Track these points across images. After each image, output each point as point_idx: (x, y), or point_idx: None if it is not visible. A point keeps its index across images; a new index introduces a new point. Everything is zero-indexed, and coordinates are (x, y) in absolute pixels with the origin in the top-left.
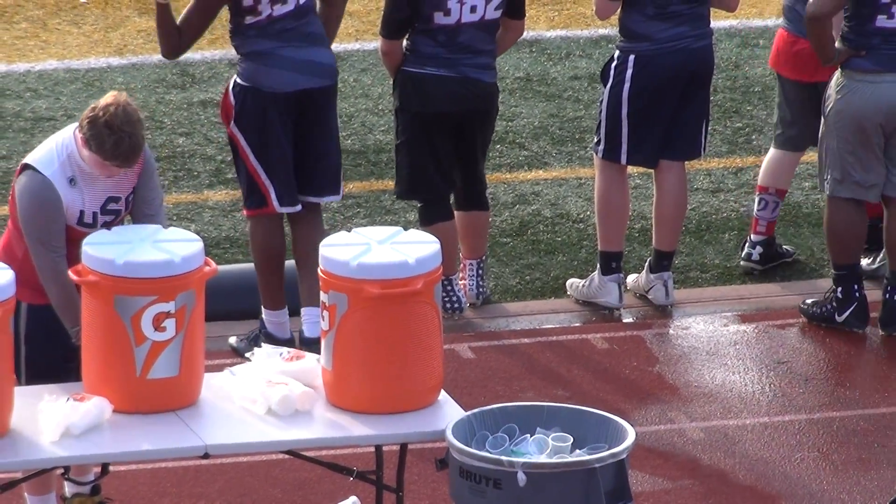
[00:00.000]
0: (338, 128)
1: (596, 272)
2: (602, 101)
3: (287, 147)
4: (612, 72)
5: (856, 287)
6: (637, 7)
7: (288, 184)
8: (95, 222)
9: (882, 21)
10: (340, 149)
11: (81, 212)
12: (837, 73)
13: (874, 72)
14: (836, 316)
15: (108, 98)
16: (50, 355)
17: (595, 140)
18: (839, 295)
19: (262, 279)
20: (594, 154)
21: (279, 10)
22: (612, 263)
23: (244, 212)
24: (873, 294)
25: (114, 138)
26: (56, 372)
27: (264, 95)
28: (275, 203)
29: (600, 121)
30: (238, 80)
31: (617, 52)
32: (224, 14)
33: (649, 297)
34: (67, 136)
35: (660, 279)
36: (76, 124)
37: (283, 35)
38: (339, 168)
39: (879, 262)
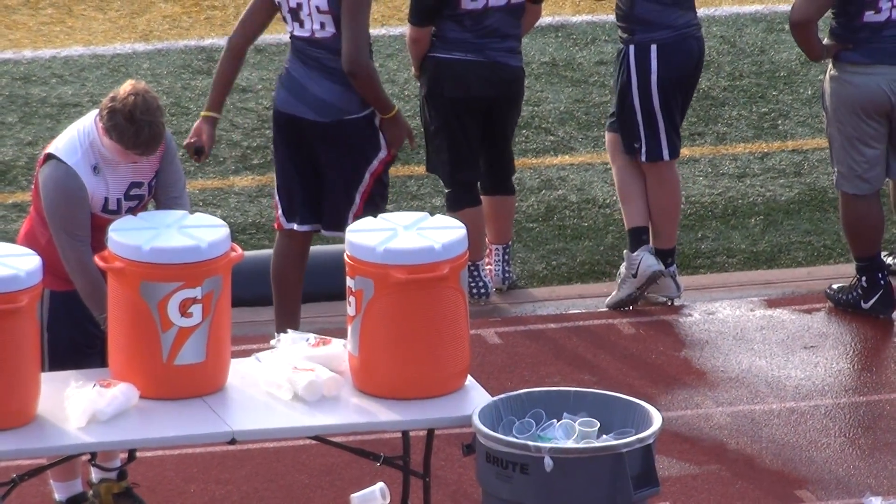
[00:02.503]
0: (343, 170)
1: None
2: (631, 101)
3: (291, 167)
4: (631, 67)
5: (880, 275)
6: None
7: (293, 201)
8: (120, 209)
9: (870, 16)
10: (347, 191)
11: (106, 199)
12: (830, 67)
13: (866, 64)
14: (863, 303)
15: (126, 87)
16: (72, 342)
17: (634, 145)
18: (864, 284)
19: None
20: (637, 158)
21: (298, 30)
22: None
23: None
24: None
25: (134, 128)
26: (78, 358)
27: (273, 110)
28: (281, 218)
29: (636, 123)
30: None
31: (632, 47)
32: None
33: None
34: (88, 124)
35: (669, 273)
36: (96, 111)
37: (299, 56)
38: (337, 207)
39: None
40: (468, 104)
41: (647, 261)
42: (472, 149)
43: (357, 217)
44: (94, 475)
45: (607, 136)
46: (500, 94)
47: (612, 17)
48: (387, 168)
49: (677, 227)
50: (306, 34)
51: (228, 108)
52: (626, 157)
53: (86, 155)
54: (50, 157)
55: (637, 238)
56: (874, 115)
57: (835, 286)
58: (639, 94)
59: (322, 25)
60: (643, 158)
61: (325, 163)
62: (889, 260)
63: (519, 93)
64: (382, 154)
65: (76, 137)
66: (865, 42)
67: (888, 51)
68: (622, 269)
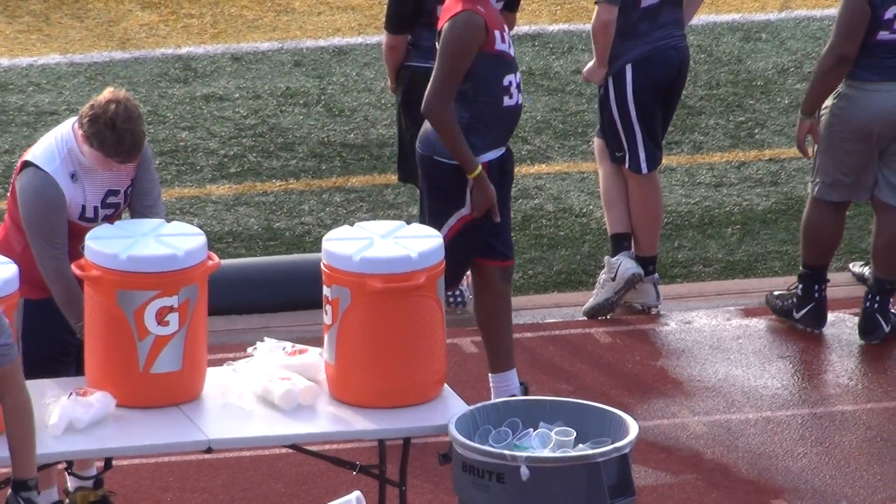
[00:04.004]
0: (426, 208)
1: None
2: (610, 114)
3: None
4: (610, 85)
5: (817, 288)
6: (626, 23)
7: None
8: (97, 216)
9: (884, 35)
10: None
11: (83, 206)
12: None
13: (874, 81)
14: (794, 312)
15: (107, 94)
16: (46, 350)
17: (617, 154)
18: (799, 293)
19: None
20: (621, 166)
21: None
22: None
23: None
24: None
25: (115, 136)
26: (53, 367)
27: None
28: None
29: (616, 133)
30: None
31: (609, 76)
32: (227, 8)
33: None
34: (66, 132)
35: (651, 280)
36: (74, 118)
37: None
38: None
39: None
40: None
41: (626, 264)
42: None
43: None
44: (71, 483)
45: (595, 141)
46: None
47: (588, 26)
48: (468, 226)
49: (658, 235)
50: None
51: (205, 117)
52: (612, 163)
53: (64, 163)
54: (28, 164)
55: (618, 244)
56: (875, 136)
57: (776, 293)
58: (616, 106)
59: None
60: (625, 165)
61: (421, 194)
62: (861, 269)
63: None
64: (464, 211)
65: (54, 145)
66: (876, 59)
67: None
68: (601, 276)
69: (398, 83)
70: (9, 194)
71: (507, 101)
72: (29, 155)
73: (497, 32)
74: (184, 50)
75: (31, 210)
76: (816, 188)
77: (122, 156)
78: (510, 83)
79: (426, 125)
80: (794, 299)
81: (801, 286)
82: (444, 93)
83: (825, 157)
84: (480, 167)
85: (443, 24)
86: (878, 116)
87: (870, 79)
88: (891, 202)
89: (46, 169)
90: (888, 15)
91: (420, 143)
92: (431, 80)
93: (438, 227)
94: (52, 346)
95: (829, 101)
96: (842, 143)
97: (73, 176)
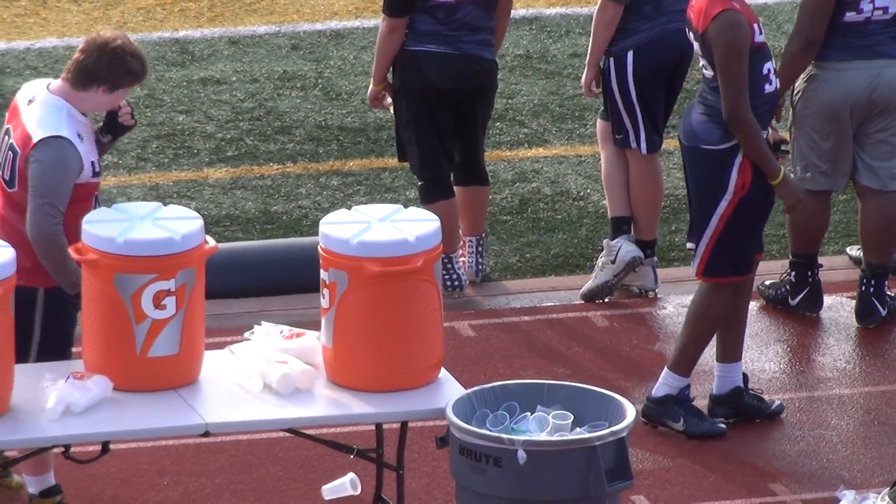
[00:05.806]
0: (695, 202)
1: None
2: (612, 94)
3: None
4: (611, 66)
5: (809, 273)
6: (634, 9)
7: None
8: (100, 171)
9: (850, 17)
10: (699, 227)
11: (92, 162)
12: (809, 68)
13: (843, 60)
14: (790, 299)
15: (104, 35)
16: (63, 336)
17: (617, 136)
18: (792, 279)
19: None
20: (624, 147)
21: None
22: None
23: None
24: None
25: (137, 60)
26: (66, 353)
27: None
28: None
29: (618, 113)
30: None
31: (612, 56)
32: None
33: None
34: (48, 98)
35: (650, 263)
36: (43, 91)
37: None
38: (698, 241)
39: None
40: (440, 96)
41: (626, 247)
42: (444, 141)
43: (704, 263)
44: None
45: (599, 124)
46: (472, 86)
47: (586, 10)
48: (738, 210)
49: (658, 219)
50: (704, 72)
51: (202, 100)
52: (614, 146)
53: (70, 126)
54: (43, 141)
55: (618, 227)
56: (847, 115)
57: (766, 283)
58: (617, 87)
59: (705, 66)
60: (631, 146)
61: (689, 190)
62: (858, 252)
63: (492, 85)
64: (729, 196)
65: (53, 114)
66: (844, 39)
67: (868, 47)
68: (600, 259)
69: (395, 66)
70: (18, 178)
71: (767, 89)
72: (39, 132)
73: (755, 25)
74: (181, 33)
75: (51, 177)
76: (797, 177)
77: (145, 73)
78: (769, 70)
79: (689, 118)
80: (788, 286)
81: (793, 273)
82: (742, 100)
83: (801, 142)
84: (783, 171)
85: (702, 24)
86: (849, 95)
87: (839, 58)
88: (872, 186)
89: (68, 136)
90: None
91: (684, 137)
92: (723, 92)
93: (708, 218)
94: (67, 331)
95: (800, 85)
96: (815, 126)
97: (79, 136)
